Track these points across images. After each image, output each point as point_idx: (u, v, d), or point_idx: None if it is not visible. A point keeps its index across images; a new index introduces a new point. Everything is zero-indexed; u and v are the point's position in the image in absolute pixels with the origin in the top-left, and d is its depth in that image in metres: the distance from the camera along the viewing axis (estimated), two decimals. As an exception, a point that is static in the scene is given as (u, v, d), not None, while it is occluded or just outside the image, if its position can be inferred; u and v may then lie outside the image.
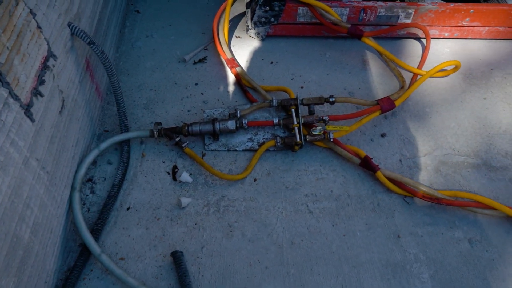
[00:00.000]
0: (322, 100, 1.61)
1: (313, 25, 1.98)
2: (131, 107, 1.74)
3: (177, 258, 1.30)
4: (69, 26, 1.38)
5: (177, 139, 1.56)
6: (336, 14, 1.86)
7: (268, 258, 1.35)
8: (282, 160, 1.59)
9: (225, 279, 1.30)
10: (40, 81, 1.18)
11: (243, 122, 1.58)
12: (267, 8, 1.90)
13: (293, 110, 1.56)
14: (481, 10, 1.92)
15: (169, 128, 1.58)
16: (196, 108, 1.74)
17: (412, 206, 1.48)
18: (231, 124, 1.57)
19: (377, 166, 1.51)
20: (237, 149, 1.61)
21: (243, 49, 2.01)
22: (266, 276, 1.31)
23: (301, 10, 1.91)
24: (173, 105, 1.75)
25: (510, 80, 1.90)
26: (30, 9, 1.14)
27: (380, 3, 1.90)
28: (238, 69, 1.83)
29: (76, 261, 1.29)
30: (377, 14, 1.92)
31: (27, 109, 1.10)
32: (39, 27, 1.18)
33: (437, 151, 1.64)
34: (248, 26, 2.02)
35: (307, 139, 1.56)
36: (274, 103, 1.61)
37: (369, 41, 1.87)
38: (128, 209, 1.44)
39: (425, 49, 1.95)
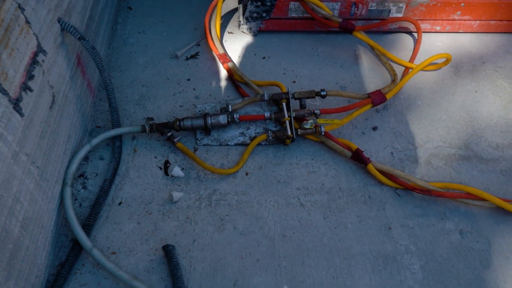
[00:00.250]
0: (313, 94, 1.61)
1: (305, 19, 1.98)
2: (123, 103, 1.74)
3: (168, 251, 1.30)
4: (59, 22, 1.38)
5: (169, 134, 1.56)
6: (328, 9, 1.86)
7: (260, 251, 1.35)
8: (274, 154, 1.60)
9: (217, 272, 1.30)
10: (30, 76, 1.18)
11: (235, 116, 1.58)
12: (259, 3, 1.91)
13: (284, 103, 1.57)
14: (472, 4, 1.93)
15: (161, 123, 1.58)
16: (188, 104, 1.74)
17: (404, 198, 1.49)
18: (222, 119, 1.57)
19: (369, 159, 1.52)
20: (229, 143, 1.61)
21: (235, 44, 2.01)
22: (257, 268, 1.31)
23: (292, 5, 1.92)
24: (165, 101, 1.75)
25: (501, 73, 1.91)
26: (19, 4, 1.14)
27: (372, -3, 1.91)
28: (230, 64, 1.84)
29: (68, 255, 1.29)
30: (369, 8, 1.92)
31: (16, 103, 1.10)
32: (27, 22, 1.18)
33: (428, 143, 1.64)
34: (240, 21, 2.02)
35: (299, 133, 1.56)
36: (266, 97, 1.61)
37: (361, 35, 1.88)
38: (120, 204, 1.44)
39: (416, 42, 1.95)
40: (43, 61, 1.26)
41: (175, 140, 1.56)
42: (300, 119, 1.60)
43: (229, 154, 1.60)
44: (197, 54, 1.95)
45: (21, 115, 1.12)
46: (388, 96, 1.67)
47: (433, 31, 2.05)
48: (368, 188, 1.51)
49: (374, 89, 1.80)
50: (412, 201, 1.48)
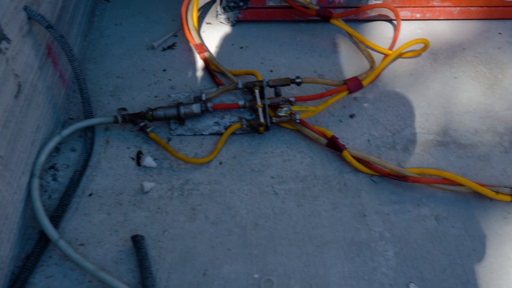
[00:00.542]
0: (288, 81, 1.59)
1: (283, 8, 1.96)
2: (97, 94, 1.71)
3: (137, 242, 1.27)
4: (25, 10, 1.35)
5: (142, 124, 1.54)
6: (305, -4, 1.84)
7: (231, 240, 1.33)
8: (249, 143, 1.57)
9: (186, 261, 1.27)
10: (-10, 63, 1.15)
11: (208, 105, 1.56)
12: (235, -8, 1.88)
13: (256, 91, 1.54)
14: (451, -11, 1.91)
15: (134, 114, 1.56)
16: (163, 94, 1.72)
17: (380, 185, 1.47)
18: (195, 108, 1.55)
19: (344, 146, 1.49)
20: (203, 133, 1.59)
21: (213, 35, 1.99)
22: (228, 258, 1.29)
23: (270, -7, 1.89)
24: (140, 92, 1.73)
25: (481, 59, 1.88)
26: (-25, -11, 1.11)
27: (350, -16, 1.88)
28: (206, 54, 1.81)
29: (34, 247, 1.26)
30: (347, -5, 1.90)
31: (-27, 90, 1.07)
32: (-14, 8, 1.15)
33: (406, 130, 1.62)
34: (218, 11, 2.00)
35: (273, 121, 1.54)
36: (240, 85, 1.59)
37: (339, 23, 1.85)
38: (90, 195, 1.42)
39: (395, 29, 1.93)
40: (6, 48, 1.23)
41: (147, 130, 1.53)
42: (275, 107, 1.58)
43: (204, 144, 1.57)
44: (174, 44, 1.92)
45: (-20, 102, 1.09)
46: (364, 83, 1.64)
47: (413, 18, 2.02)
48: (343, 176, 1.49)
49: (352, 76, 1.77)
50: (388, 187, 1.46)
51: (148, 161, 1.49)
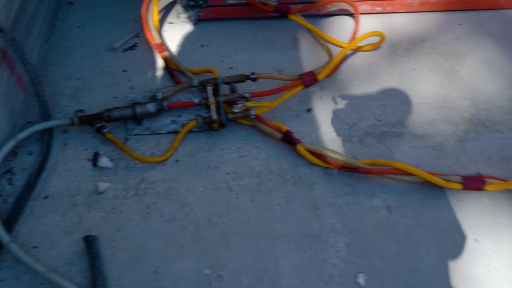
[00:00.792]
0: (243, 78, 1.60)
1: (243, 6, 1.96)
2: (56, 97, 1.72)
3: (88, 242, 1.28)
4: (-28, 15, 1.36)
5: (98, 125, 1.54)
6: (263, -7, 1.84)
7: (184, 237, 1.34)
8: (206, 140, 1.58)
9: (138, 260, 1.28)
10: None
11: (164, 104, 1.56)
12: (194, -10, 1.89)
13: (209, 88, 1.55)
14: (409, -18, 1.92)
15: (90, 115, 1.56)
16: (123, 95, 1.72)
17: (334, 177, 1.48)
18: (151, 107, 1.55)
19: (298, 139, 1.50)
20: (160, 132, 1.60)
21: (175, 34, 1.99)
22: (180, 255, 1.30)
23: (228, -9, 1.90)
24: (99, 93, 1.73)
25: (440, 50, 1.90)
26: None
27: (308, -21, 1.89)
28: (166, 53, 1.81)
29: (-14, 252, 1.27)
30: (306, -9, 1.91)
31: None
32: None
33: (362, 122, 1.63)
34: (178, 10, 2.00)
35: (229, 117, 1.54)
36: (195, 83, 1.60)
37: (297, 18, 1.86)
38: (45, 198, 1.42)
39: (355, 23, 1.94)
40: (-47, 54, 1.24)
41: (104, 131, 1.53)
42: (230, 104, 1.58)
43: (161, 143, 1.58)
44: (135, 45, 1.93)
45: None
46: (320, 77, 1.66)
47: (374, 12, 2.03)
48: (298, 169, 1.50)
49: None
50: (342, 180, 1.47)
51: (104, 161, 1.49)
